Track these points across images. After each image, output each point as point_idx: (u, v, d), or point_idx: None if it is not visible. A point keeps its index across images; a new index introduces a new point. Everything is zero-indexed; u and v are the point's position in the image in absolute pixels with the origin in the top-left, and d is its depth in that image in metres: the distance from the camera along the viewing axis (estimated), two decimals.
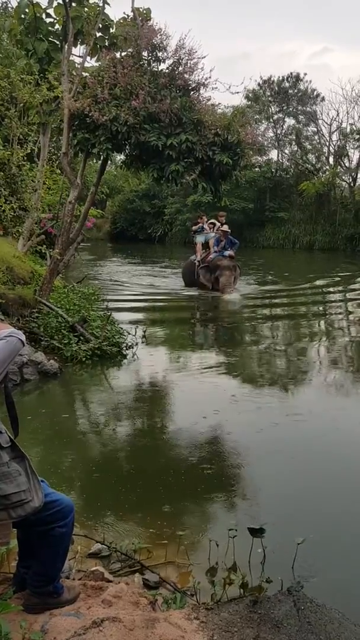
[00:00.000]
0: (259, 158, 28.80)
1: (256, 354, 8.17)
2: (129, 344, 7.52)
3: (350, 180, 30.56)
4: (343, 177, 30.99)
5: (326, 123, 31.71)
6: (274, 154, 33.45)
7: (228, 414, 5.30)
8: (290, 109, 33.17)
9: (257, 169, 30.49)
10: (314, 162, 32.88)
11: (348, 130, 30.56)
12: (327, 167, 31.60)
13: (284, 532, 3.09)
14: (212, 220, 14.48)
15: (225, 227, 13.58)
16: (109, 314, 7.86)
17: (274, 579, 2.69)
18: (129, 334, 7.83)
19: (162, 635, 2.12)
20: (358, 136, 29.43)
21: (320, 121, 32.13)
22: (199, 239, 14.06)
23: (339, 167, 30.91)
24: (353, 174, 30.34)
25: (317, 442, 4.72)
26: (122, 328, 7.98)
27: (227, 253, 13.27)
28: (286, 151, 33.80)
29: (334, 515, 3.50)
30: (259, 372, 7.13)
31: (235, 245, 13.78)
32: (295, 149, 33.34)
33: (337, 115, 32.59)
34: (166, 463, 4.27)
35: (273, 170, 32.38)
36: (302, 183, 29.72)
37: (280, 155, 33.65)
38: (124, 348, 7.43)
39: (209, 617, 2.34)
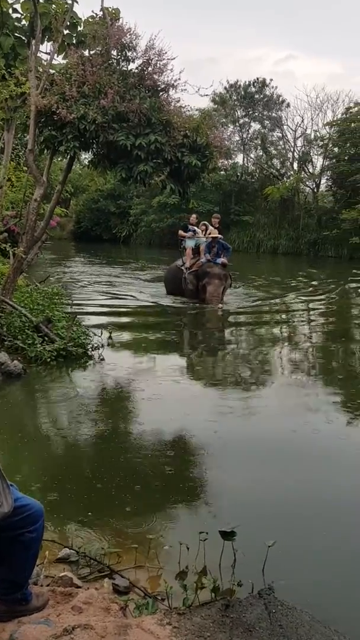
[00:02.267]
0: (225, 161, 28.99)
1: (224, 358, 8.21)
2: (95, 345, 7.44)
3: (314, 186, 31.10)
4: (307, 183, 31.50)
5: (291, 129, 32.25)
6: (239, 158, 33.81)
7: (195, 417, 5.29)
8: (256, 114, 33.58)
9: (222, 172, 30.75)
10: (278, 167, 33.35)
11: (312, 136, 31.15)
12: (292, 172, 32.10)
13: (254, 535, 3.09)
14: (205, 222, 13.35)
15: (215, 233, 12.54)
16: (74, 314, 7.76)
17: (244, 582, 2.70)
18: (95, 335, 7.75)
19: None
20: (322, 143, 29.96)
21: (285, 127, 32.66)
22: (189, 244, 12.87)
23: (303, 172, 31.43)
24: (316, 180, 30.88)
25: (286, 444, 4.76)
26: (87, 329, 7.90)
27: (219, 260, 12.16)
28: (252, 155, 34.21)
29: (303, 518, 3.53)
30: (225, 376, 7.16)
31: (228, 251, 12.67)
32: (261, 153, 33.75)
33: (302, 121, 33.18)
34: (132, 466, 4.23)
35: (238, 174, 32.71)
36: (267, 187, 30.10)
37: (245, 159, 34.03)
38: (90, 349, 7.35)
39: (181, 622, 2.32)
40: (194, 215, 13.71)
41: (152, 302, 12.46)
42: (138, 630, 2.16)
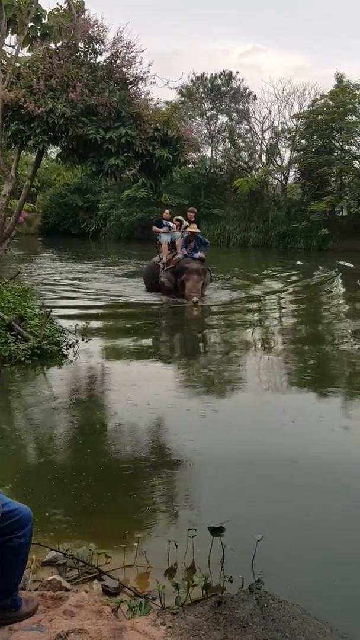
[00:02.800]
0: (193, 155, 28.95)
1: (202, 355, 8.22)
2: (70, 342, 7.36)
3: (282, 178, 31.30)
4: (275, 175, 31.69)
5: (258, 121, 32.32)
6: (208, 151, 33.81)
7: (173, 413, 5.28)
8: (223, 107, 33.59)
9: (191, 166, 30.66)
10: (247, 160, 33.44)
11: (280, 129, 31.30)
12: (260, 165, 32.23)
13: (242, 530, 3.10)
14: (179, 217, 13.01)
15: (194, 227, 12.08)
16: (48, 311, 7.66)
17: (235, 578, 2.71)
18: (70, 332, 7.67)
19: None
20: (289, 135, 30.16)
21: (252, 119, 32.71)
22: (165, 239, 12.51)
23: (271, 165, 31.59)
24: (285, 172, 31.07)
25: (269, 437, 4.79)
26: (61, 327, 7.81)
27: (197, 255, 11.77)
28: (220, 148, 34.22)
29: (290, 511, 3.55)
30: (202, 373, 7.16)
31: (206, 246, 12.29)
32: (229, 146, 33.78)
33: (269, 114, 33.28)
34: (113, 464, 4.20)
35: (207, 166, 32.71)
36: (236, 180, 30.15)
37: (214, 152, 34.04)
38: (65, 347, 7.27)
39: (175, 622, 2.31)
40: (167, 211, 13.50)
41: (128, 299, 12.23)
42: (133, 632, 2.15)
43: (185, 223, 12.55)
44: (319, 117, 27.35)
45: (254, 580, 2.70)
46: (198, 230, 12.15)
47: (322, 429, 5.03)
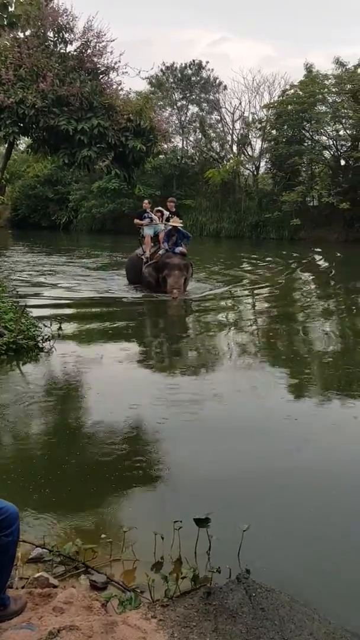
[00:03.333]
0: (165, 145, 28.84)
1: (179, 347, 8.22)
2: (46, 337, 7.29)
3: (254, 168, 31.42)
4: (246, 166, 31.78)
5: (229, 111, 32.37)
6: (178, 141, 33.68)
7: (152, 406, 5.27)
8: (194, 97, 33.52)
9: (162, 156, 30.53)
10: (218, 150, 33.46)
11: (250, 119, 31.38)
12: (231, 155, 32.28)
13: (227, 520, 3.12)
14: (159, 208, 12.43)
15: (177, 221, 11.61)
16: (23, 305, 7.56)
17: (222, 568, 2.73)
18: (46, 326, 7.59)
19: (123, 638, 2.08)
20: (260, 125, 30.26)
21: (223, 109, 32.74)
22: (147, 232, 12.05)
23: (242, 155, 31.67)
24: (256, 162, 31.21)
25: (248, 427, 4.82)
26: (37, 321, 7.72)
27: (178, 249, 11.49)
28: (191, 138, 34.15)
29: (273, 498, 3.59)
30: (180, 364, 7.18)
31: (188, 240, 12.02)
32: (200, 136, 33.74)
33: (240, 104, 33.32)
34: (94, 459, 4.18)
35: (179, 157, 32.61)
36: (208, 171, 30.16)
37: (185, 142, 33.95)
38: (41, 341, 7.19)
39: (166, 614, 2.32)
40: (146, 201, 12.79)
41: (106, 293, 12.00)
42: (124, 627, 2.15)
43: (167, 214, 12.15)
44: (289, 107, 27.47)
45: (241, 570, 2.73)
46: (180, 224, 11.77)
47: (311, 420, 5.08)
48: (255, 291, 12.74)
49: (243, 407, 5.43)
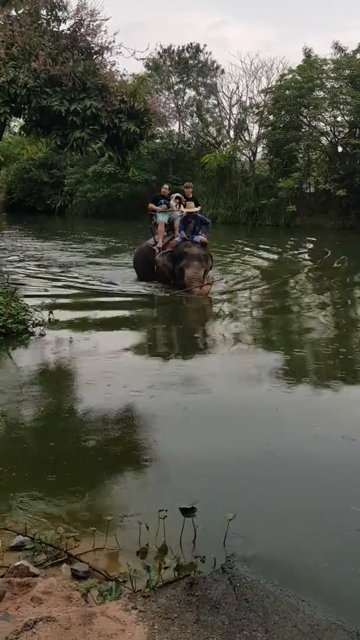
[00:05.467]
0: (161, 129, 28.55)
1: (170, 334, 8.14)
2: (36, 321, 7.20)
3: (250, 154, 31.15)
4: (243, 151, 31.52)
5: (226, 96, 32.01)
6: (175, 126, 33.34)
7: (141, 392, 5.20)
8: (191, 80, 33.11)
9: (158, 140, 30.25)
10: (215, 135, 33.15)
11: (248, 104, 31.06)
12: (228, 140, 32.00)
13: (213, 509, 3.07)
14: (178, 195, 11.21)
15: (192, 206, 10.53)
16: (13, 289, 7.47)
17: (207, 558, 2.68)
18: (36, 310, 7.50)
19: (101, 630, 2.02)
20: (257, 110, 29.94)
21: (220, 94, 32.37)
22: (161, 218, 10.91)
23: (239, 140, 31.39)
24: (253, 148, 30.92)
25: (231, 413, 4.77)
26: (27, 305, 7.63)
27: (198, 238, 10.31)
28: (187, 123, 33.80)
29: (259, 485, 3.54)
30: (171, 351, 7.11)
31: (207, 226, 10.88)
32: (197, 121, 33.42)
33: (237, 88, 32.98)
34: (81, 446, 4.11)
35: (175, 142, 32.30)
36: (204, 156, 29.90)
37: (181, 126, 33.60)
38: (31, 325, 7.11)
39: (147, 606, 2.27)
40: (165, 186, 11.69)
41: (108, 287, 10.77)
42: (103, 618, 2.10)
43: (189, 203, 10.75)
44: (287, 92, 27.17)
45: (226, 560, 2.68)
46: (197, 209, 10.66)
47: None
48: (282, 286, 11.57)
49: (238, 397, 5.37)
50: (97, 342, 7.06)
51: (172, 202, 11.01)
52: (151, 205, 11.14)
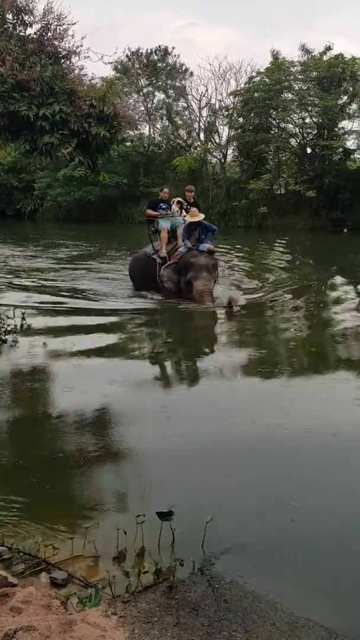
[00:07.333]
0: (131, 132, 28.56)
1: (145, 337, 8.14)
2: (8, 328, 7.15)
3: (221, 156, 31.36)
4: (214, 154, 31.71)
5: (196, 99, 32.20)
6: (145, 129, 33.39)
7: (115, 398, 5.21)
8: (160, 83, 33.20)
9: (129, 143, 30.29)
10: (185, 138, 33.30)
11: (217, 106, 31.27)
12: (199, 143, 32.17)
13: (190, 512, 3.10)
14: (179, 199, 10.58)
15: (195, 213, 9.77)
16: None
17: (186, 561, 2.70)
18: (8, 317, 7.44)
19: (82, 637, 2.04)
20: (227, 113, 30.15)
21: (190, 96, 32.54)
22: (164, 225, 10.09)
23: (209, 143, 31.58)
24: (223, 150, 31.14)
25: (205, 413, 4.81)
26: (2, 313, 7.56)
27: (204, 247, 9.58)
28: (157, 126, 33.87)
29: (236, 487, 3.58)
30: (146, 356, 7.12)
31: (214, 233, 10.10)
32: (167, 124, 33.51)
33: (206, 91, 33.13)
34: (55, 452, 4.10)
35: (145, 145, 32.35)
36: (175, 158, 30.03)
37: (151, 129, 33.66)
38: (3, 333, 7.05)
39: (126, 611, 2.29)
40: (165, 189, 10.96)
41: (115, 304, 9.80)
42: (83, 625, 2.11)
43: (193, 209, 10.10)
44: (256, 94, 27.43)
45: (205, 563, 2.71)
46: (201, 216, 9.85)
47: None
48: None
49: (214, 398, 5.41)
50: (73, 348, 7.02)
51: (175, 207, 10.37)
52: (149, 212, 10.45)
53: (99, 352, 6.91)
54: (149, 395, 5.33)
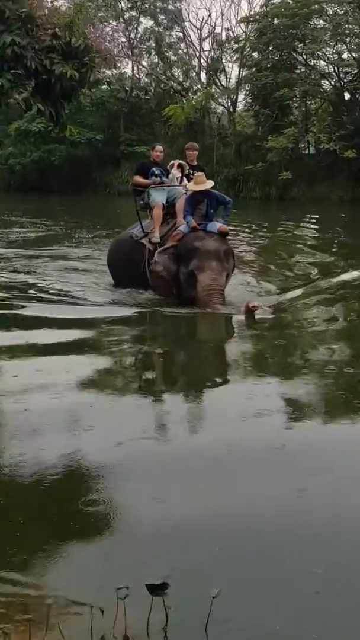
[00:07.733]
0: (108, 72, 28.68)
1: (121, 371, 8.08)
2: None
3: (229, 104, 31.51)
4: (220, 101, 31.85)
5: (195, 27, 32.41)
6: (127, 67, 33.55)
7: (80, 434, 5.23)
8: (147, 6, 33.38)
9: (105, 87, 30.40)
10: (181, 80, 33.45)
11: (224, 37, 31.44)
12: (199, 86, 32.30)
13: (188, 583, 3.10)
14: (180, 162, 10.18)
15: (202, 179, 9.26)
16: None
17: None
18: None
19: None
20: (237, 46, 30.30)
21: (187, 24, 32.75)
22: (157, 198, 9.70)
23: (214, 86, 31.73)
24: (232, 96, 31.27)
25: (201, 458, 4.82)
26: None
27: (214, 226, 9.21)
28: (144, 63, 34.08)
29: (240, 549, 3.59)
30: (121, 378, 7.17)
31: (226, 209, 9.84)
32: (156, 60, 33.74)
33: (209, 16, 33.37)
34: (14, 501, 4.11)
35: (127, 88, 32.49)
36: (168, 107, 30.15)
37: (136, 68, 33.81)
38: None
39: None
40: (158, 147, 10.57)
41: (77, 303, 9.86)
42: None
43: (187, 170, 10.05)
44: (276, 20, 27.62)
45: None
46: (210, 184, 9.44)
47: None
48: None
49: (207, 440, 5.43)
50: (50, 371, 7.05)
51: (175, 172, 10.05)
52: (137, 179, 10.16)
53: (55, 389, 6.52)
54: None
